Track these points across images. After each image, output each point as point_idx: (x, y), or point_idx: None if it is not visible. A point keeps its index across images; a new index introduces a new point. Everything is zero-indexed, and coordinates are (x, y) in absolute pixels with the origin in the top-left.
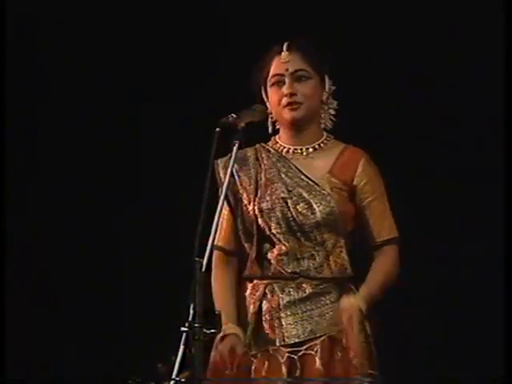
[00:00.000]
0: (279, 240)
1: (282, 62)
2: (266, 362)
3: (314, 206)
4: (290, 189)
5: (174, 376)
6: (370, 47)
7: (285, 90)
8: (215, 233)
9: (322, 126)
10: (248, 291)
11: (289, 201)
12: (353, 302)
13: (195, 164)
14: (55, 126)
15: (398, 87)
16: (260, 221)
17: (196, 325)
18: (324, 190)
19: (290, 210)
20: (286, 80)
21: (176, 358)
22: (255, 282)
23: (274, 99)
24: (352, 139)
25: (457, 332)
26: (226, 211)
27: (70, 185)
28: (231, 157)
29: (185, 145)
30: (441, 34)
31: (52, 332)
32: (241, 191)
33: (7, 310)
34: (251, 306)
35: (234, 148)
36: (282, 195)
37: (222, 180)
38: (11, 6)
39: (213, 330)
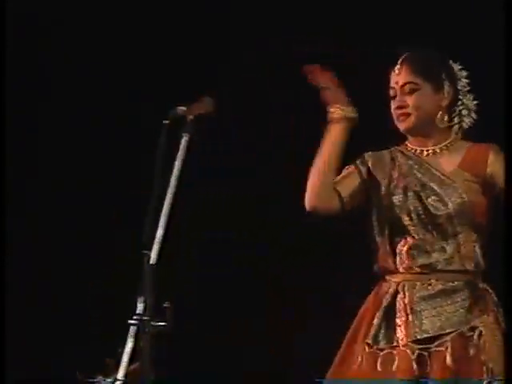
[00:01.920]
0: (410, 232)
1: (395, 75)
2: (397, 358)
3: (446, 198)
4: (423, 183)
5: (121, 369)
6: (370, 47)
7: (396, 102)
8: (165, 225)
9: (457, 126)
10: (382, 289)
11: (421, 193)
12: None
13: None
14: (55, 126)
15: None
16: (392, 213)
17: (145, 318)
18: (455, 183)
19: (422, 202)
20: (398, 93)
21: (122, 351)
22: (387, 278)
23: (392, 111)
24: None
25: None
26: (356, 177)
27: (70, 185)
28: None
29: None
30: (441, 34)
31: (52, 332)
32: (378, 185)
33: (7, 309)
34: (383, 301)
35: (183, 141)
36: (415, 188)
37: (364, 174)
38: (11, 6)
39: (162, 323)
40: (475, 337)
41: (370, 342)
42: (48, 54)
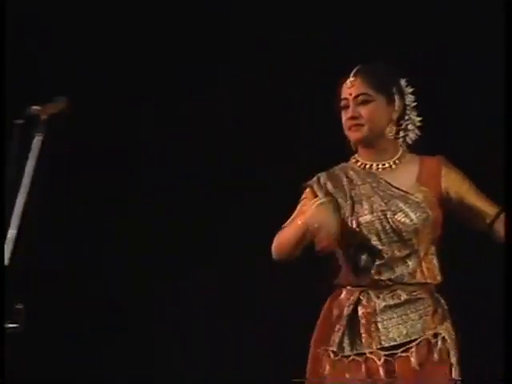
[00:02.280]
0: (378, 251)
1: (347, 87)
2: (363, 365)
3: (411, 214)
4: (386, 201)
5: None
6: (369, 47)
7: (348, 113)
8: (17, 227)
9: (401, 142)
10: (342, 295)
11: (388, 213)
12: None
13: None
14: (55, 125)
15: None
16: (359, 234)
17: None
18: (418, 198)
19: (388, 221)
20: (350, 104)
21: None
22: (349, 287)
23: (343, 122)
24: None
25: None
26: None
27: (69, 185)
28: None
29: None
30: (441, 34)
31: (52, 332)
32: (338, 205)
33: (7, 310)
34: (345, 310)
35: (34, 141)
36: (381, 208)
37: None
38: (11, 6)
39: (14, 325)
40: (439, 342)
41: (335, 349)
42: (48, 53)
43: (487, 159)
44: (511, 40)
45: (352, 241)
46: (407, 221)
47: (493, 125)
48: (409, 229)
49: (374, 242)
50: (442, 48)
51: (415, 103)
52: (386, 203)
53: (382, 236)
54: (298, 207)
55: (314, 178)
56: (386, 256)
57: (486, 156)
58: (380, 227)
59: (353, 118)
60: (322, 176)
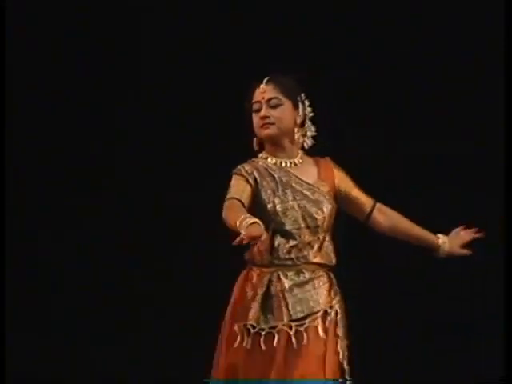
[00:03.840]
0: (292, 235)
1: (260, 92)
2: (277, 335)
3: (321, 205)
4: (300, 192)
5: None
6: (370, 47)
7: (261, 113)
8: None
9: (300, 145)
10: (254, 277)
11: (302, 202)
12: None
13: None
14: (55, 125)
15: (399, 87)
16: (277, 219)
17: None
18: (322, 192)
19: (303, 210)
20: (263, 106)
21: None
22: (262, 269)
23: (255, 122)
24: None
25: (457, 332)
26: (248, 187)
27: (69, 184)
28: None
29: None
30: (441, 34)
31: (52, 332)
32: (261, 193)
33: (7, 309)
34: (259, 289)
35: None
36: (297, 198)
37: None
38: (11, 6)
39: None
40: (333, 314)
41: (253, 323)
42: (48, 54)
43: (488, 159)
44: (511, 40)
45: (270, 225)
46: (318, 211)
47: (493, 125)
48: (319, 217)
49: (289, 227)
50: (442, 48)
51: (312, 114)
52: (299, 194)
53: (298, 222)
54: (234, 183)
55: (239, 167)
56: (298, 239)
57: (487, 155)
58: (296, 215)
59: (264, 117)
60: (248, 167)
